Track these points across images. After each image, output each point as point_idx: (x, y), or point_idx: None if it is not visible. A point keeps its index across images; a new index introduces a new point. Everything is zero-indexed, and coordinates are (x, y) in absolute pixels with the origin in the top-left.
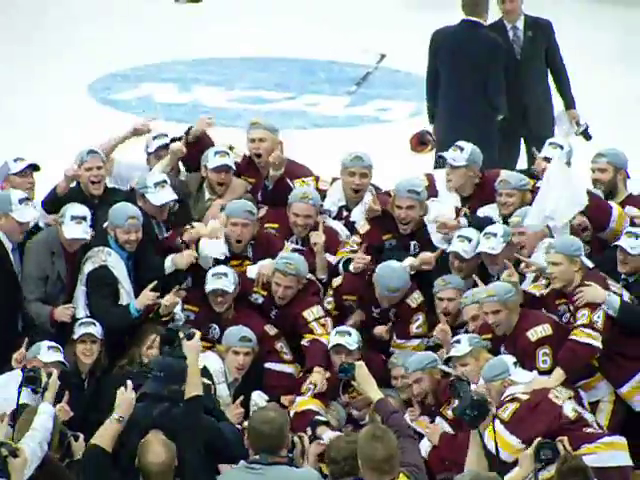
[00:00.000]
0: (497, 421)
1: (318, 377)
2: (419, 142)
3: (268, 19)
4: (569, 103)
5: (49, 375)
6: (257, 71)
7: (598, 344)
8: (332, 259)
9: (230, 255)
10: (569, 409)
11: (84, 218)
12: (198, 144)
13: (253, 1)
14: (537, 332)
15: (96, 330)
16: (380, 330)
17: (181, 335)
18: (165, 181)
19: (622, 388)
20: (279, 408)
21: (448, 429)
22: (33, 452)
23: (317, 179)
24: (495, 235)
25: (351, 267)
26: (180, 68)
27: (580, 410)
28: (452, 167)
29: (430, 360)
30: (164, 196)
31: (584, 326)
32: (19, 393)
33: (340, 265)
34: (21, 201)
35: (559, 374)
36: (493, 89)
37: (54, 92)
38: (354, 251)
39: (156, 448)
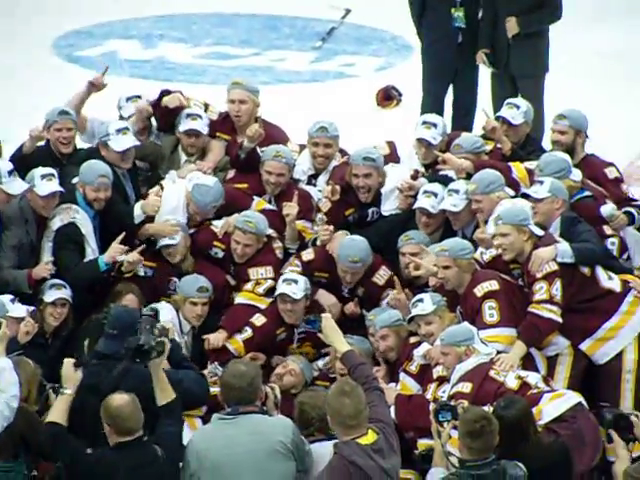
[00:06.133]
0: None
1: (219, 337)
2: (385, 97)
3: None
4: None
5: None
6: (222, 27)
7: (558, 318)
8: (308, 225)
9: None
10: (511, 380)
11: (53, 175)
12: (174, 109)
13: None
14: (483, 287)
15: (67, 293)
16: (350, 308)
17: (153, 354)
18: (127, 128)
19: (582, 345)
20: (250, 361)
21: (413, 384)
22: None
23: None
24: (457, 192)
25: (318, 241)
26: (144, 25)
27: (523, 374)
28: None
29: (397, 317)
30: (125, 142)
31: (544, 302)
32: None
33: (309, 244)
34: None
35: (520, 348)
36: None
37: (18, 49)
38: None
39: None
